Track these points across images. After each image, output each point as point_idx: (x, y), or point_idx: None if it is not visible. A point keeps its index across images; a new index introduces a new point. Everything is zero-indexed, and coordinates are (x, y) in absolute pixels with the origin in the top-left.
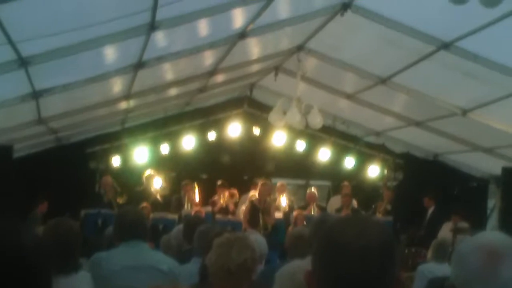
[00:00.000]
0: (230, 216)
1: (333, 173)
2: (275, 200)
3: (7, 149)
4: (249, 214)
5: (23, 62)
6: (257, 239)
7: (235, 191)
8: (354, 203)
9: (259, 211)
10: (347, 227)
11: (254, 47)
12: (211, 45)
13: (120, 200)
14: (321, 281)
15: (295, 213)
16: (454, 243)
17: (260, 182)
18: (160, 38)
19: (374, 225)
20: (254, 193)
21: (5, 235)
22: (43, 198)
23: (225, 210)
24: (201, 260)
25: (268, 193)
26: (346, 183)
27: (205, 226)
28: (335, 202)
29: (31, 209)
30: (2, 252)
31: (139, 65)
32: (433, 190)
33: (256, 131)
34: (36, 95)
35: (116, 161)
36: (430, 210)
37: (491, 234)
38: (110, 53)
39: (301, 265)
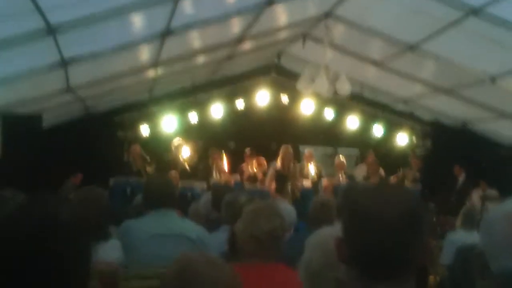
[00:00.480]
0: (258, 185)
1: (361, 141)
2: (302, 167)
3: (37, 119)
4: (275, 181)
5: (51, 30)
6: (286, 207)
7: (263, 160)
8: (381, 171)
9: (284, 177)
10: (375, 196)
11: (281, 14)
12: (239, 12)
13: (149, 169)
14: (350, 248)
15: (324, 182)
16: (482, 211)
17: (281, 148)
18: (187, 5)
19: (402, 194)
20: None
21: (42, 207)
22: (77, 170)
23: (253, 179)
24: (230, 228)
25: (290, 157)
26: (370, 151)
27: (233, 194)
28: (362, 170)
29: (62, 179)
30: (40, 225)
31: (167, 32)
32: (462, 158)
33: (284, 99)
34: (64, 63)
35: (144, 129)
36: (461, 179)
37: None
38: (137, 21)
39: (331, 233)
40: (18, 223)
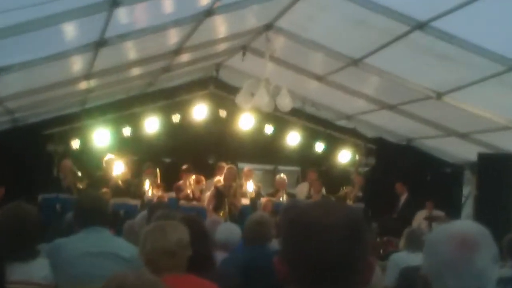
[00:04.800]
0: (194, 202)
1: (302, 158)
2: (241, 186)
3: None
4: (214, 200)
5: None
6: (230, 226)
7: (202, 178)
8: (323, 189)
9: (224, 197)
10: (315, 208)
11: (221, 25)
12: (176, 23)
13: (80, 185)
14: (290, 265)
15: (263, 200)
16: (428, 232)
17: (225, 167)
18: (122, 14)
19: (343, 207)
20: (219, 178)
21: None
22: (1, 185)
23: (189, 197)
24: None
25: (234, 178)
26: (312, 169)
27: (166, 211)
28: (304, 188)
29: None
30: None
31: (101, 43)
32: (406, 176)
33: (223, 113)
34: None
35: (75, 143)
36: (403, 197)
37: (463, 223)
38: (70, 30)
39: None
40: None
